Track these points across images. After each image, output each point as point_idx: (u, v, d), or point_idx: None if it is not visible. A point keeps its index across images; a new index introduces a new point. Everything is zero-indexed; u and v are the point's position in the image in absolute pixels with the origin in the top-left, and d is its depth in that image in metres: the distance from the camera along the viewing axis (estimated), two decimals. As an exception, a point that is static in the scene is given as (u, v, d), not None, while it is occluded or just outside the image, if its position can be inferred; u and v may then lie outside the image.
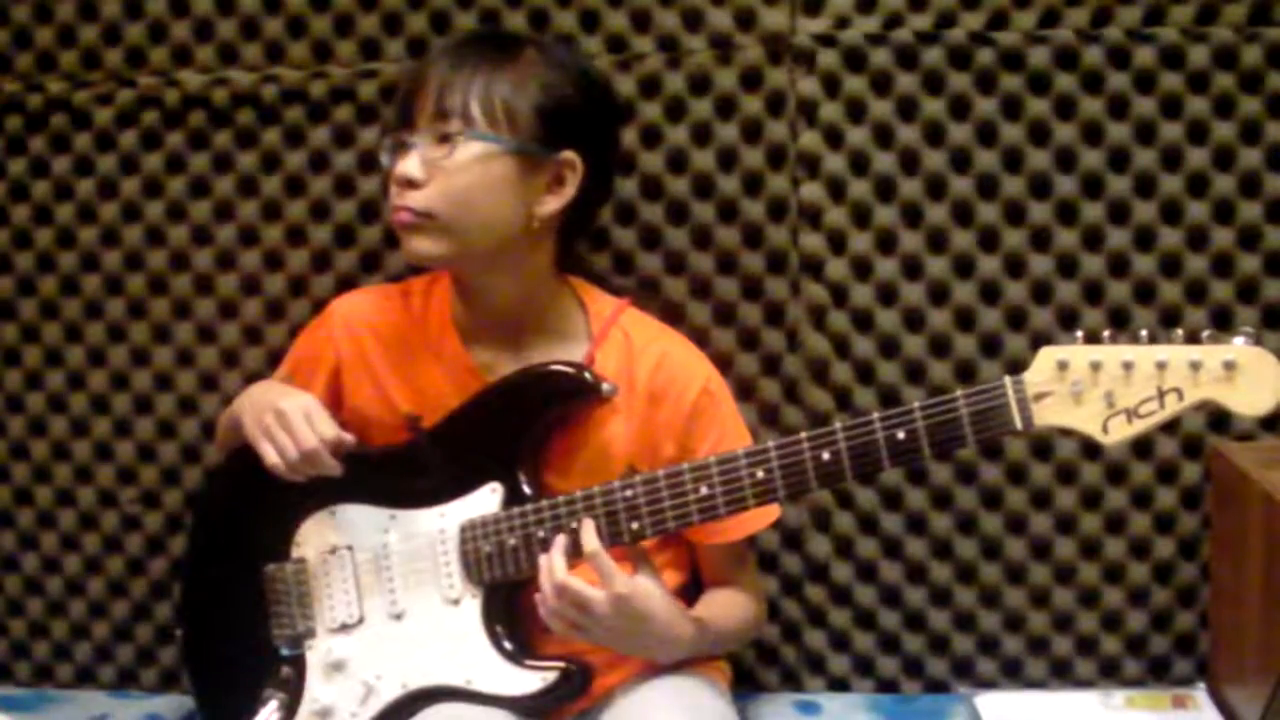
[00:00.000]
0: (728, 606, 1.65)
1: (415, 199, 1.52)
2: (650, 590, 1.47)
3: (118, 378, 1.98)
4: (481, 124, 1.51)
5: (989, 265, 1.82)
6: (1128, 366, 1.33)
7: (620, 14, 1.82)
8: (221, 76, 1.90)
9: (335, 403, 1.66)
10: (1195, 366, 1.31)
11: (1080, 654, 1.86)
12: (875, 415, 1.41)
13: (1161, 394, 1.32)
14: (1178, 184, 1.78)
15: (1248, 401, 1.30)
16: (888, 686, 1.90)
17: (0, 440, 2.02)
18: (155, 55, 1.92)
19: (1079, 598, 1.85)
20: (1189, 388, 1.32)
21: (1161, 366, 1.32)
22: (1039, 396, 1.36)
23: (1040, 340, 1.80)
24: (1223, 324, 1.78)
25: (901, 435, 1.40)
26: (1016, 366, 1.80)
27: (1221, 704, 1.75)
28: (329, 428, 1.54)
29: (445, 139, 1.51)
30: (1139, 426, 1.34)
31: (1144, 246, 1.79)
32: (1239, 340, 1.31)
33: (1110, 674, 1.86)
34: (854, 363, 1.84)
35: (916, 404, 1.40)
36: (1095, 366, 1.34)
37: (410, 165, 1.52)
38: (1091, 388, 1.34)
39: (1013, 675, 1.88)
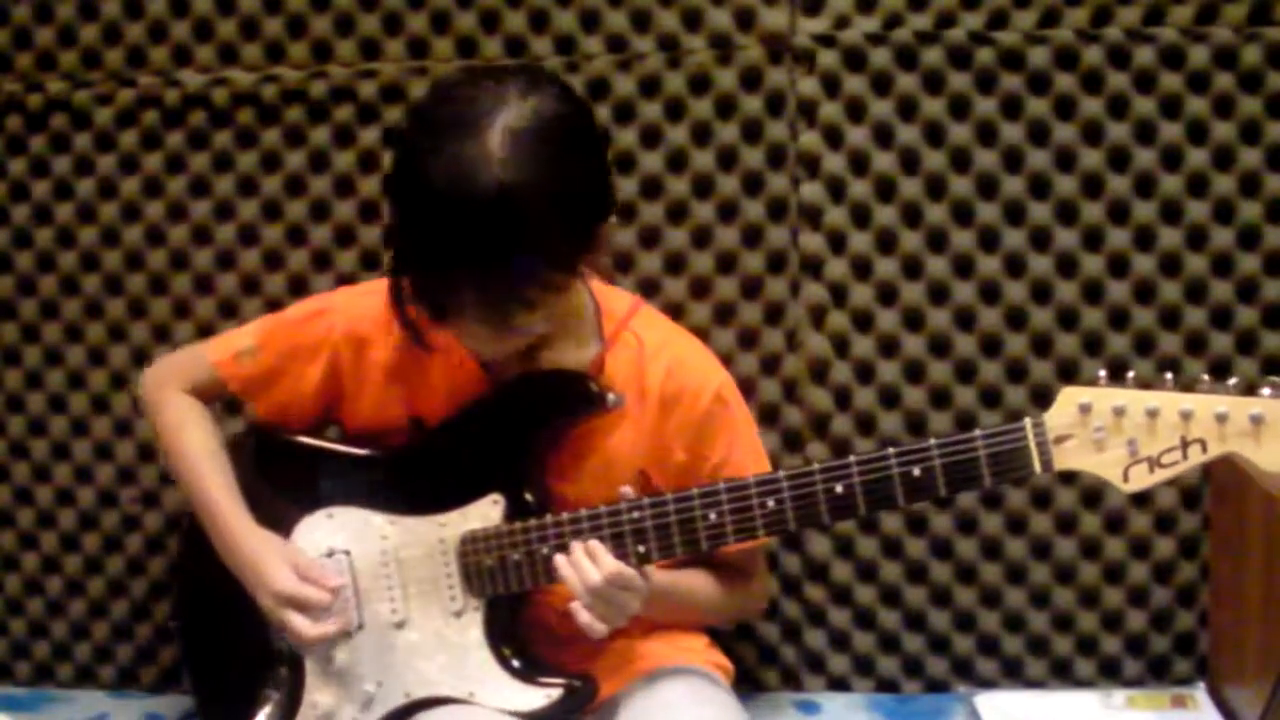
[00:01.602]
0: (712, 580, 1.63)
1: (494, 354, 1.51)
2: (649, 573, 1.49)
3: (118, 378, 1.98)
4: (542, 305, 1.41)
5: (989, 265, 1.82)
6: (1152, 414, 1.30)
7: (620, 14, 1.82)
8: (221, 76, 1.90)
9: (333, 392, 1.62)
10: (1221, 419, 1.28)
11: (1080, 654, 1.86)
12: (890, 450, 1.38)
13: (1185, 444, 1.29)
14: (1178, 184, 1.78)
15: (1273, 459, 1.27)
16: (888, 686, 1.90)
17: (0, 440, 2.03)
18: (155, 55, 1.92)
19: (1079, 598, 1.85)
20: (1213, 440, 1.28)
21: (1186, 416, 1.29)
22: (1060, 439, 1.33)
23: (1040, 340, 1.81)
24: (1222, 324, 1.79)
25: (917, 472, 1.37)
26: (1016, 367, 1.82)
27: (1221, 704, 1.75)
28: (315, 601, 1.52)
29: (505, 325, 1.43)
30: (1160, 476, 1.30)
31: (1144, 246, 1.79)
32: (1267, 391, 1.27)
33: (1110, 674, 1.86)
34: (853, 363, 1.84)
35: (933, 441, 1.37)
36: (1119, 412, 1.31)
37: (488, 350, 1.49)
38: (1114, 434, 1.31)
39: (1013, 675, 1.88)
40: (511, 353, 1.50)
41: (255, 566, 1.54)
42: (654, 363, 1.58)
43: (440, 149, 1.35)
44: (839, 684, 1.91)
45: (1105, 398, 1.32)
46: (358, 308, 1.62)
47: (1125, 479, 1.32)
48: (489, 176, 1.33)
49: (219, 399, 1.67)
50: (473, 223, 1.34)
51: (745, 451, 1.60)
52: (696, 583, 1.62)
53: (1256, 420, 1.27)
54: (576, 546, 1.45)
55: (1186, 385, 1.30)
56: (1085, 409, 1.32)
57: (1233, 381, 1.29)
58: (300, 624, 1.51)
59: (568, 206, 1.38)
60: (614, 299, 1.63)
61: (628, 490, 1.47)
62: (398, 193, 1.42)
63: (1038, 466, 1.34)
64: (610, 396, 1.50)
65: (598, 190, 1.45)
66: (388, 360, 1.59)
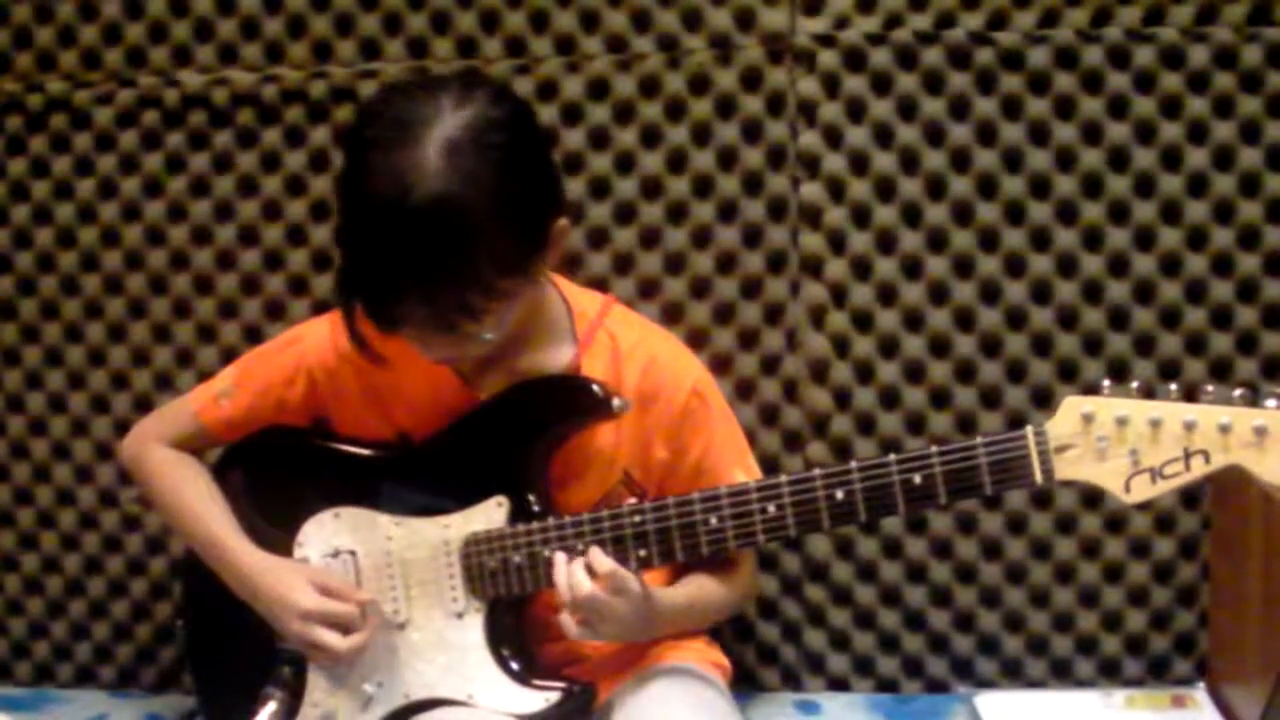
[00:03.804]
0: (709, 584, 1.62)
1: (448, 359, 1.50)
2: (650, 587, 1.49)
3: (118, 378, 1.98)
4: (490, 313, 1.41)
5: (989, 265, 1.82)
6: (1155, 424, 1.29)
7: (620, 14, 1.82)
8: (221, 76, 1.90)
9: (317, 411, 1.63)
10: (1224, 430, 1.27)
11: (1080, 654, 1.86)
12: (892, 457, 1.38)
13: (1188, 455, 1.29)
14: (1178, 184, 1.78)
15: (1276, 470, 1.26)
16: (888, 686, 1.90)
17: (0, 440, 2.03)
18: (155, 55, 1.92)
19: (1079, 598, 1.85)
20: (1216, 452, 1.28)
21: (1190, 427, 1.28)
22: (1061, 449, 1.33)
23: (1040, 340, 1.81)
24: (1222, 324, 1.79)
25: (918, 480, 1.37)
26: (1016, 367, 1.82)
27: (1221, 704, 1.74)
28: (343, 615, 1.52)
29: (452, 334, 1.42)
30: (1163, 487, 1.30)
31: (1144, 247, 1.79)
32: (1271, 403, 1.27)
33: (1110, 674, 1.86)
34: (853, 362, 1.84)
35: (935, 449, 1.37)
36: (1121, 422, 1.30)
37: (439, 355, 1.48)
38: (1117, 444, 1.31)
39: (1013, 675, 1.88)
40: (472, 357, 1.51)
41: (276, 594, 1.54)
42: (629, 362, 1.58)
43: (378, 162, 1.36)
44: (839, 684, 1.91)
45: (1108, 407, 1.31)
46: (324, 337, 1.62)
47: (1127, 490, 1.31)
48: (426, 187, 1.33)
49: (205, 449, 1.67)
50: (413, 234, 1.34)
51: (724, 443, 1.61)
52: (704, 589, 1.61)
53: (1260, 431, 1.26)
54: (577, 558, 1.45)
55: (1190, 394, 1.30)
56: (1088, 418, 1.32)
57: (1238, 392, 1.28)
58: (331, 639, 1.51)
59: (508, 211, 1.38)
60: (584, 300, 1.63)
61: (631, 503, 1.47)
62: (342, 207, 1.43)
63: (1039, 476, 1.34)
64: (616, 401, 1.50)
65: (540, 191, 1.45)
66: (358, 386, 1.59)
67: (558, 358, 1.57)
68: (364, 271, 1.40)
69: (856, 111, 1.81)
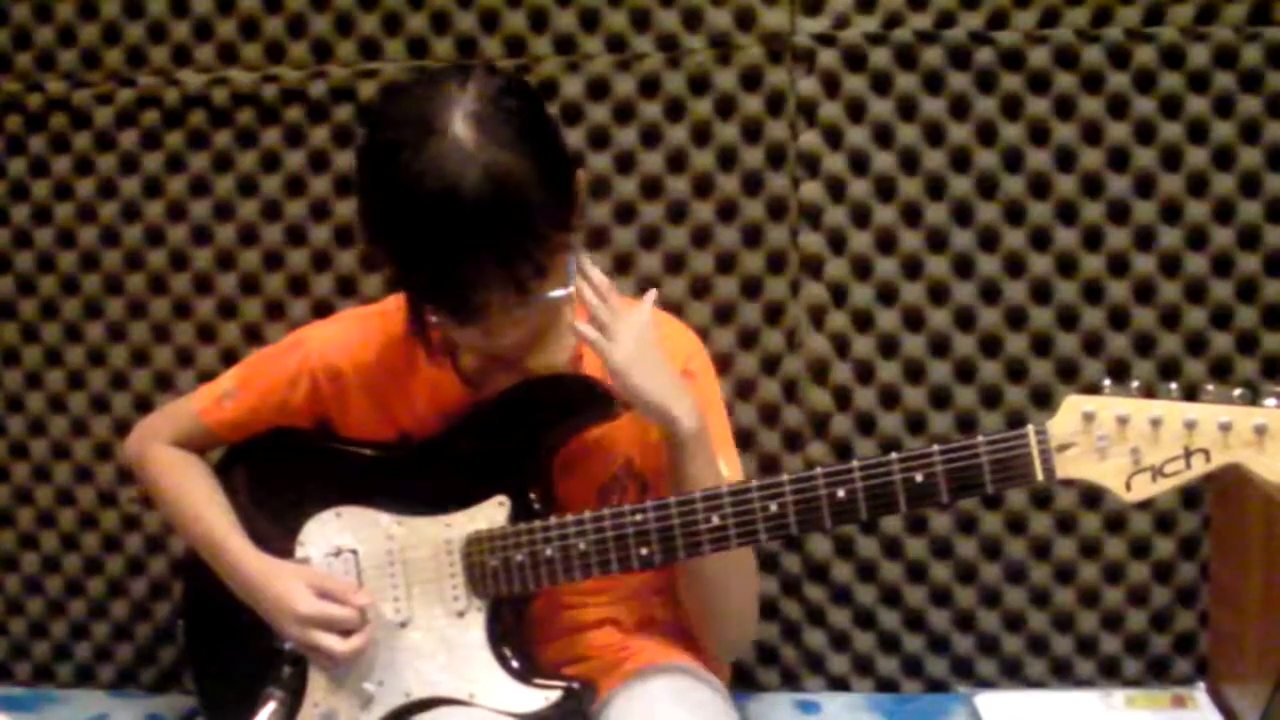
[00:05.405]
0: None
1: (515, 342, 1.50)
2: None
3: (118, 378, 1.98)
4: (554, 270, 1.43)
5: (988, 265, 1.82)
6: (1155, 423, 1.29)
7: (620, 14, 1.82)
8: (221, 76, 1.90)
9: (320, 414, 1.62)
10: (1225, 428, 1.27)
11: (1080, 654, 1.86)
12: (894, 455, 1.38)
13: (1188, 454, 1.29)
14: (1178, 184, 1.78)
15: (1276, 469, 1.26)
16: (888, 686, 1.90)
17: (0, 440, 2.03)
18: (155, 55, 1.92)
19: (1079, 598, 1.85)
20: (1217, 450, 1.28)
21: (1190, 426, 1.28)
22: (1062, 447, 1.33)
23: (1040, 340, 1.81)
24: (1222, 324, 1.79)
25: (919, 478, 1.37)
26: (1016, 367, 1.82)
27: (1221, 704, 1.75)
28: (340, 619, 1.52)
29: (529, 300, 1.43)
30: (1163, 485, 1.30)
31: (1144, 247, 1.79)
32: (1271, 402, 1.27)
33: (1110, 674, 1.86)
34: (853, 362, 1.85)
35: (936, 447, 1.37)
36: (1122, 421, 1.30)
37: (510, 338, 1.48)
38: (1118, 443, 1.31)
39: (1013, 675, 1.88)
40: (521, 342, 1.51)
41: (275, 597, 1.54)
42: None
43: (413, 162, 1.36)
44: (839, 684, 1.91)
45: (1109, 406, 1.31)
46: (327, 339, 1.62)
47: (1128, 488, 1.31)
48: (472, 165, 1.35)
49: (208, 449, 1.67)
50: (475, 213, 1.35)
51: (716, 424, 1.58)
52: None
53: (1260, 430, 1.26)
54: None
55: (1190, 393, 1.30)
56: (1089, 417, 1.32)
57: (1238, 392, 1.28)
58: (329, 642, 1.51)
59: (544, 165, 1.41)
60: None
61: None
62: (386, 223, 1.42)
63: (1040, 474, 1.34)
64: (617, 401, 1.51)
65: (560, 143, 1.48)
66: (363, 387, 1.59)
67: (560, 351, 1.58)
68: (437, 269, 1.40)
69: (856, 111, 1.81)
